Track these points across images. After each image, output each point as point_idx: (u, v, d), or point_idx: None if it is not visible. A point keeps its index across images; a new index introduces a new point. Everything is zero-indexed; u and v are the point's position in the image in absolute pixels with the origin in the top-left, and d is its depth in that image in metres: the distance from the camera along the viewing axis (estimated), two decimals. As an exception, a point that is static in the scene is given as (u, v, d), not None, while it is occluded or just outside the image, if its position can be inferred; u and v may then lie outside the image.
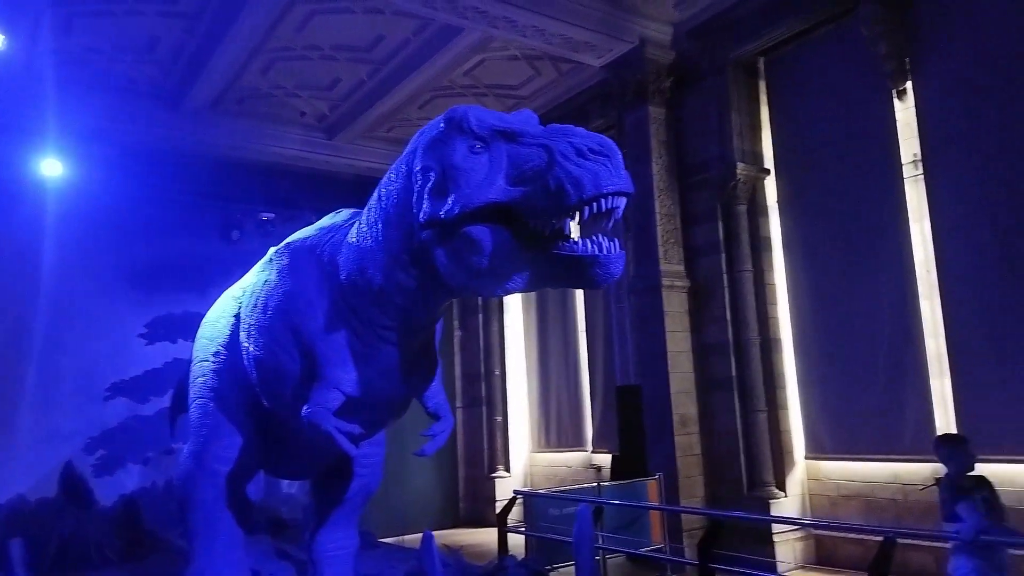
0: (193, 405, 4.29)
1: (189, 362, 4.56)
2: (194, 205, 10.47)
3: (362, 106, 10.84)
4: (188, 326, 5.26)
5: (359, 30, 9.04)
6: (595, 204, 2.50)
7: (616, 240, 2.69)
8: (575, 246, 2.65)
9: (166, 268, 10.23)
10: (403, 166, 3.14)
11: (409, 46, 9.38)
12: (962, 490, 4.69)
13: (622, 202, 2.55)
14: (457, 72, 10.12)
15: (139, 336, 10.14)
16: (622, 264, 2.68)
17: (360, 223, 3.43)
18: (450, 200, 2.77)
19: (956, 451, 4.80)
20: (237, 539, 4.15)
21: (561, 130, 2.66)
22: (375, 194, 3.36)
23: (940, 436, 5.15)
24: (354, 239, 3.43)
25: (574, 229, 2.74)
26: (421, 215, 2.89)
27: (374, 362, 3.43)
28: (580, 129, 2.65)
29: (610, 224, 2.61)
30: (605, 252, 2.62)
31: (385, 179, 3.29)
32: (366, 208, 3.43)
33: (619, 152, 2.59)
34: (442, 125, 2.90)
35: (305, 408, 3.38)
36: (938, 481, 4.93)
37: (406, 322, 3.39)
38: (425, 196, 2.88)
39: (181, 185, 10.30)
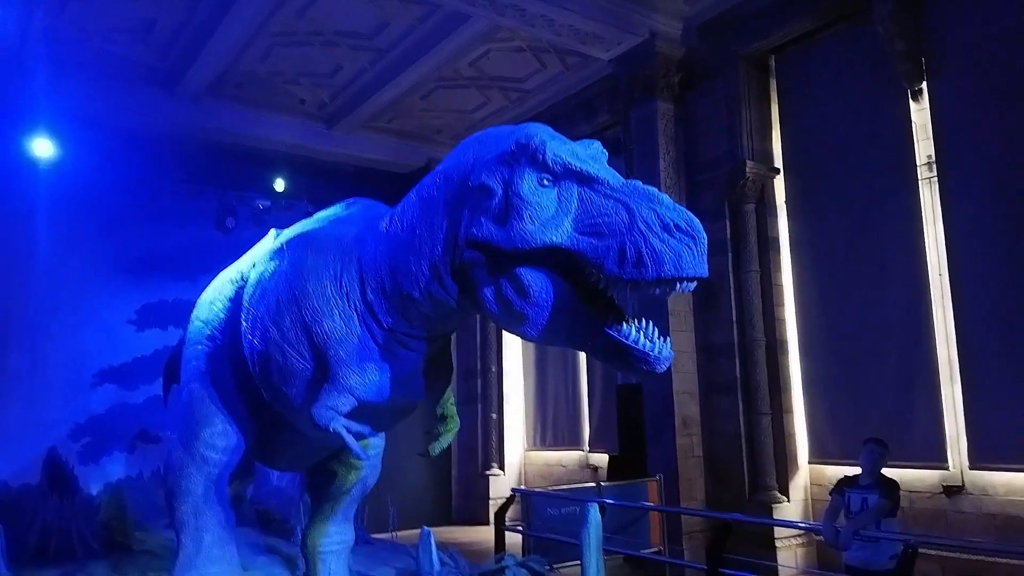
0: (184, 390, 4.10)
1: (180, 343, 4.38)
2: (188, 191, 10.24)
3: (363, 95, 10.64)
4: (179, 313, 5.09)
5: (363, 15, 8.84)
6: (670, 285, 2.40)
7: (668, 339, 2.58)
8: (627, 334, 2.52)
9: (158, 254, 9.99)
10: (455, 174, 2.93)
11: (414, 33, 9.18)
12: (837, 490, 4.96)
13: (695, 284, 2.45)
14: (462, 63, 9.94)
15: (129, 323, 9.91)
16: (668, 365, 2.57)
17: (392, 223, 3.20)
18: (510, 231, 2.59)
19: (862, 451, 4.96)
20: (227, 532, 3.96)
21: (645, 194, 2.50)
22: (414, 194, 3.15)
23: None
24: (384, 240, 3.21)
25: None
26: (473, 234, 2.71)
27: (391, 368, 3.27)
28: (666, 198, 2.51)
29: (670, 294, 2.53)
30: (656, 353, 2.51)
31: (430, 180, 3.08)
32: (400, 207, 3.22)
33: (704, 234, 2.46)
34: (513, 147, 2.67)
35: (313, 407, 3.21)
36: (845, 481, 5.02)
37: (429, 331, 3.23)
38: (481, 217, 2.69)
39: (175, 171, 10.06)
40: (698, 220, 2.47)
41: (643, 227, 2.40)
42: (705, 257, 2.44)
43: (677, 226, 2.40)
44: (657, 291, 2.44)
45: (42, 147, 8.93)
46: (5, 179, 9.02)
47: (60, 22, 8.57)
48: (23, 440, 8.52)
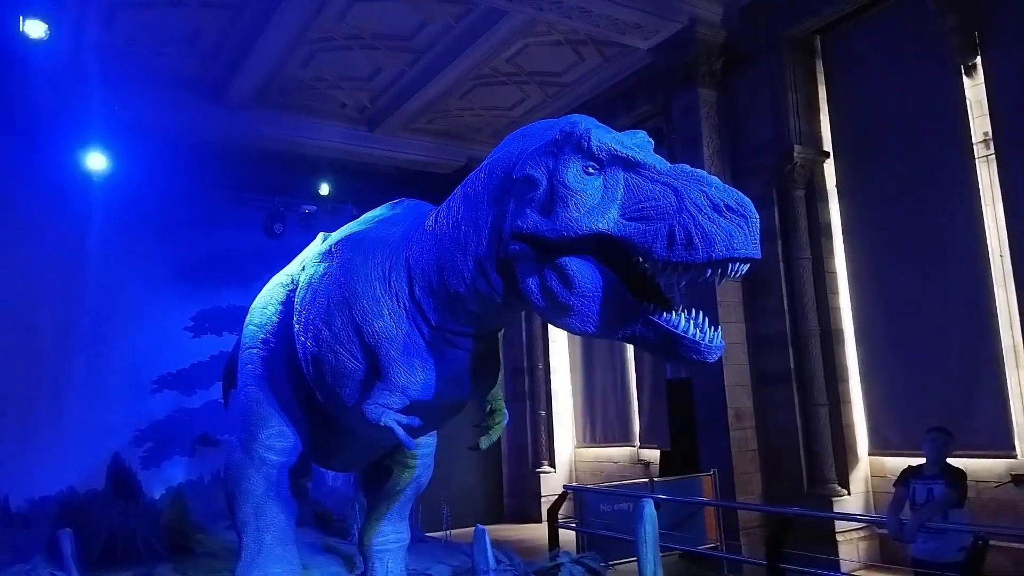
0: (241, 393, 4.17)
1: (236, 347, 4.46)
2: (237, 198, 10.47)
3: (403, 97, 10.72)
4: (233, 319, 5.18)
5: (400, 17, 8.89)
6: (721, 267, 2.32)
7: (719, 328, 2.50)
8: (676, 323, 2.45)
9: (210, 261, 10.24)
10: (499, 168, 2.91)
11: (451, 33, 9.21)
12: (901, 480, 4.80)
13: (747, 267, 2.37)
14: (499, 59, 9.92)
15: (185, 329, 10.18)
16: (719, 355, 2.49)
17: (438, 220, 3.19)
18: (555, 220, 2.56)
19: (925, 440, 4.81)
20: (288, 532, 4.02)
21: (693, 176, 2.44)
22: (459, 191, 3.14)
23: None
24: (431, 238, 3.21)
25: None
26: (518, 226, 2.67)
27: (441, 366, 3.27)
28: (715, 179, 2.45)
29: (720, 281, 2.43)
30: (707, 342, 2.44)
31: (474, 177, 3.07)
32: (445, 205, 3.21)
33: (756, 214, 2.38)
34: (558, 136, 2.64)
35: (364, 404, 3.24)
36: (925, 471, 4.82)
37: (477, 328, 3.23)
38: (527, 208, 2.66)
39: (224, 178, 10.30)
40: (748, 200, 2.39)
41: (692, 208, 2.34)
42: (757, 237, 2.35)
43: (728, 206, 2.33)
44: (708, 273, 2.35)
45: (97, 159, 9.22)
46: (63, 190, 9.36)
47: (109, 35, 8.82)
48: (88, 446, 8.82)
